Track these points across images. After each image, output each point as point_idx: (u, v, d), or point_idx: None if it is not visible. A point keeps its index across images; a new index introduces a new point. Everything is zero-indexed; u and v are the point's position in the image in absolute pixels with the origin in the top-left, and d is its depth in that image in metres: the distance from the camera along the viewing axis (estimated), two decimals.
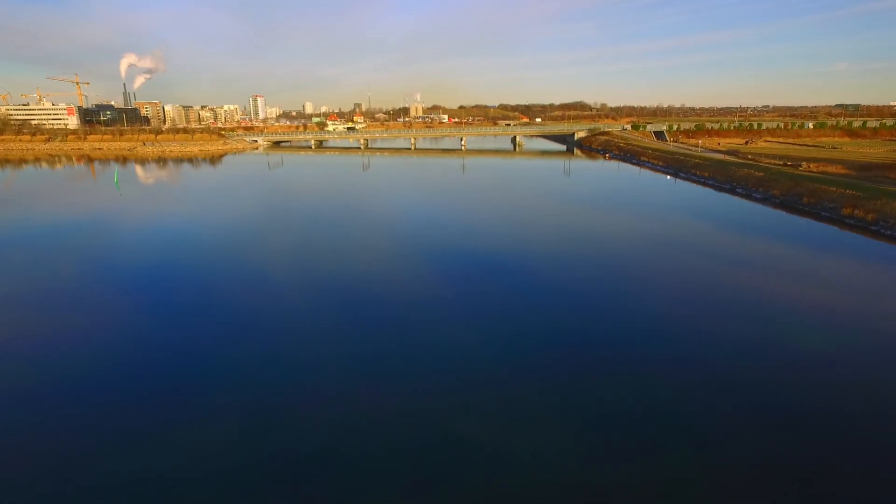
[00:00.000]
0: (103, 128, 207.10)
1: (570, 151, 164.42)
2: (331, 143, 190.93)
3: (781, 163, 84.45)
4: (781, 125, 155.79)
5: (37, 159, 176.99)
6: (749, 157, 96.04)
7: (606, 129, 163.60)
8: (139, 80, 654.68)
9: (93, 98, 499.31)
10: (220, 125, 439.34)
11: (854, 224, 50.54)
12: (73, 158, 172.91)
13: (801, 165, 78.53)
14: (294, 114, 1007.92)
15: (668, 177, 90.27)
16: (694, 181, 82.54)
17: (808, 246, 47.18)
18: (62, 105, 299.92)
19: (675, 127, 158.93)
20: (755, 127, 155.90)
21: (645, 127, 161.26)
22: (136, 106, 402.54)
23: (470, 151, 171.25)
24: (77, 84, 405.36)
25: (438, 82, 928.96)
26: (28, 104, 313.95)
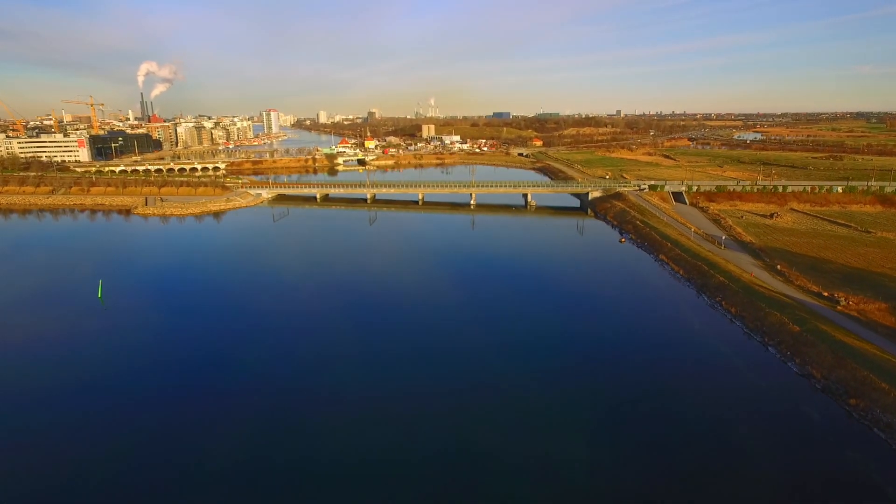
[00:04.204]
0: (109, 176, 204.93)
1: (583, 210, 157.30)
2: (337, 195, 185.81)
3: (817, 289, 77.26)
4: (808, 188, 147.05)
5: (41, 210, 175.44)
6: (778, 266, 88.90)
7: (621, 189, 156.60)
8: (158, 89, 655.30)
9: (108, 110, 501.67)
10: (232, 145, 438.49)
11: None
12: (74, 211, 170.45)
13: (839, 303, 71.37)
14: (308, 122, 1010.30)
15: (692, 291, 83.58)
16: (719, 312, 75.49)
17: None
18: (73, 137, 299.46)
19: (694, 188, 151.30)
20: (780, 189, 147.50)
21: (663, 187, 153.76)
22: (149, 130, 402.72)
23: (479, 207, 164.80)
24: (91, 106, 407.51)
25: (452, 87, 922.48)
26: (40, 135, 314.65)
